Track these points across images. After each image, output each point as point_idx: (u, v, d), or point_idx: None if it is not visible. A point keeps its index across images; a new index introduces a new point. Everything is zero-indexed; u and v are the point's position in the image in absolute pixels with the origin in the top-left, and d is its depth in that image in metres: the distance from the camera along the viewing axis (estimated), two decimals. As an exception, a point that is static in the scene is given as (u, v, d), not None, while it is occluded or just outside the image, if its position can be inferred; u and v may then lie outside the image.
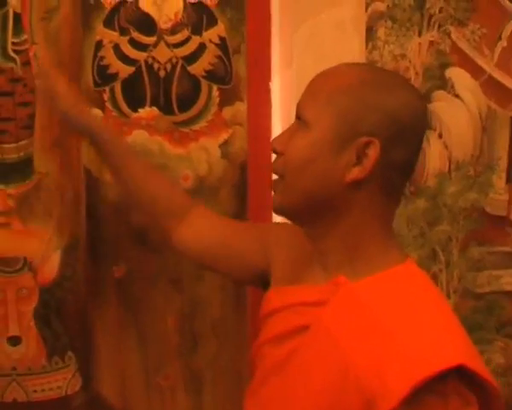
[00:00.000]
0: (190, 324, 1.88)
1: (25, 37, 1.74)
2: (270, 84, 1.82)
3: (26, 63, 1.75)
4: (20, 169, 1.77)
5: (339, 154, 1.24)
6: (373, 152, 1.20)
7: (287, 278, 1.42)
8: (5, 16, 1.72)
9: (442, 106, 1.92)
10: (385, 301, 1.21)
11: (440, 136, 1.94)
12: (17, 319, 1.82)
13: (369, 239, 1.25)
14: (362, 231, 1.25)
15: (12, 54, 1.74)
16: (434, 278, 1.92)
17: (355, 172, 1.21)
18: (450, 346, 1.16)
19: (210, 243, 1.52)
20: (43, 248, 1.79)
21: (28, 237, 1.79)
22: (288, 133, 1.29)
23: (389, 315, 1.19)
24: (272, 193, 1.32)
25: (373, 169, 1.21)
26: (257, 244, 1.47)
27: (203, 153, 1.82)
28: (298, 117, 1.30)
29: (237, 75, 1.82)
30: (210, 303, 1.88)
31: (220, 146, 1.84)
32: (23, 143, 1.77)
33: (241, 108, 1.82)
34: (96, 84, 1.78)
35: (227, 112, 1.83)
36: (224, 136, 1.83)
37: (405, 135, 1.21)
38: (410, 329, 1.16)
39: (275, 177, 1.31)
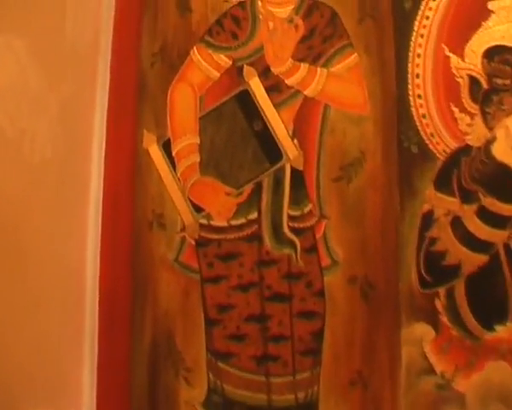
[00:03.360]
0: None
1: (309, 207, 1.43)
2: None
3: (312, 250, 1.42)
4: (299, 420, 1.48)
5: None
6: None
7: None
8: (279, 175, 1.46)
9: None
10: None
11: None
12: None
13: None
14: None
15: (289, 234, 1.44)
16: None
17: None
18: None
19: None
20: None
21: None
22: None
23: None
24: None
25: None
26: None
27: None
28: None
29: None
30: None
31: None
32: (303, 376, 1.47)
33: None
34: (425, 284, 1.46)
35: None
36: None
37: None
38: None
39: None
